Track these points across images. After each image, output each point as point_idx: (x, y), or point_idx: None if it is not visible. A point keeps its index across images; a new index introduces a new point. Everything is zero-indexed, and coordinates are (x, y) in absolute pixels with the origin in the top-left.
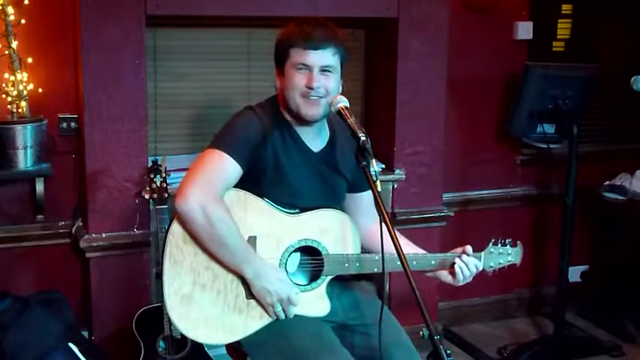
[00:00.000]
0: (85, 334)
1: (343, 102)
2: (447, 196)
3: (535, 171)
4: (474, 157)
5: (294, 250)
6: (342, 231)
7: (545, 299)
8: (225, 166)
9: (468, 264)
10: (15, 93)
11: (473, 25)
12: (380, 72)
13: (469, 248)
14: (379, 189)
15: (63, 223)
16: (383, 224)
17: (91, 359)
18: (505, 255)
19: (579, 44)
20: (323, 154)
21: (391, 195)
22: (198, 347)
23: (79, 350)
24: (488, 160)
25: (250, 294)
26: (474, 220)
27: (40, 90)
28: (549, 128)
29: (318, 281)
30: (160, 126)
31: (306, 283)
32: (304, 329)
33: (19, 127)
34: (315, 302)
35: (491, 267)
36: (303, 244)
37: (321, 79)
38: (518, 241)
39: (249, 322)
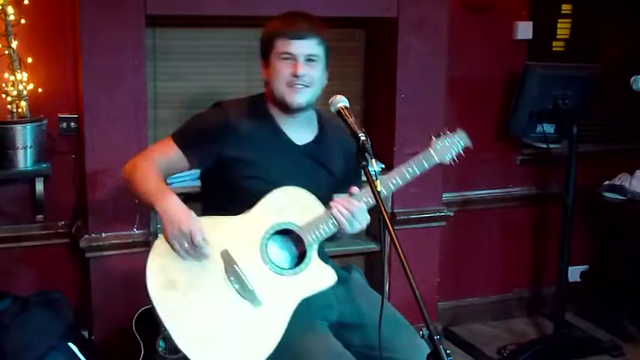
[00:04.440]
0: (85, 334)
1: (343, 102)
2: (446, 196)
3: (535, 171)
4: (473, 157)
5: (271, 240)
6: (297, 200)
7: (545, 299)
8: (168, 149)
9: (342, 204)
10: (15, 93)
11: (473, 25)
12: (380, 72)
13: (354, 189)
14: (379, 189)
15: (63, 223)
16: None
17: (91, 359)
18: (455, 143)
19: (579, 44)
20: (308, 148)
21: (391, 195)
22: None
23: (79, 350)
24: (488, 159)
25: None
26: (473, 219)
27: (40, 90)
28: (549, 128)
29: (308, 255)
30: (160, 126)
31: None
32: (297, 326)
33: (18, 127)
34: (319, 274)
35: (447, 158)
36: (272, 231)
37: (306, 67)
38: (457, 128)
39: (274, 314)
